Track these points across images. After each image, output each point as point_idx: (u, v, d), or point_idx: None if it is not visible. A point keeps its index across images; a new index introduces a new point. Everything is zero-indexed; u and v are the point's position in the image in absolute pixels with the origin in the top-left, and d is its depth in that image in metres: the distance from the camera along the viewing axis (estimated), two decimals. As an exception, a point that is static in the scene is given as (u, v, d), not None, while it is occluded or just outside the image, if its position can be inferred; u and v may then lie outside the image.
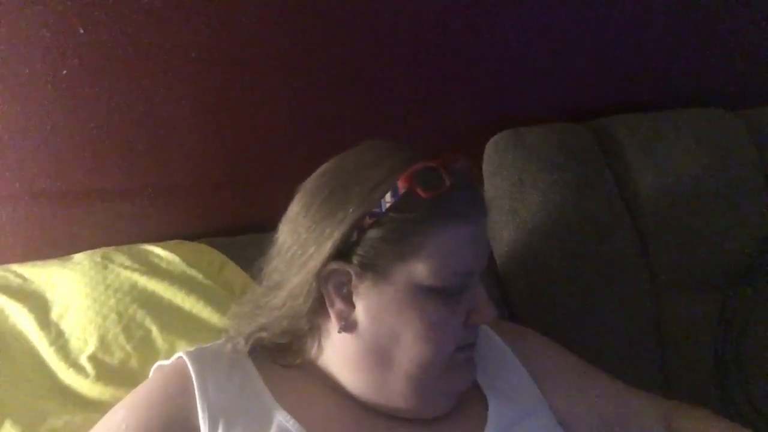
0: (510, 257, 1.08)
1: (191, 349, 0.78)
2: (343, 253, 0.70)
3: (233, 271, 0.98)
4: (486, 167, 1.13)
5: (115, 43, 0.96)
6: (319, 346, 0.76)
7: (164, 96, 1.00)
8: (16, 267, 0.96)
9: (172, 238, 1.02)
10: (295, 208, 0.76)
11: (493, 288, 1.07)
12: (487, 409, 0.76)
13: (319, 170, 0.77)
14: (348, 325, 0.72)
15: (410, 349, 0.70)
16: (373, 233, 0.70)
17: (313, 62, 1.06)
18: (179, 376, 0.74)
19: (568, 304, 1.05)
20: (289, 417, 0.70)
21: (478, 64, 1.16)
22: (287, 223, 0.76)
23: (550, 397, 0.81)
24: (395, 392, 0.72)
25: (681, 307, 1.12)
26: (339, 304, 0.72)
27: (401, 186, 0.69)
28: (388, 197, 0.69)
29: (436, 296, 0.70)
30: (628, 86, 1.27)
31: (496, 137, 1.14)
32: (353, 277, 0.71)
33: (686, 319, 1.11)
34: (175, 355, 0.78)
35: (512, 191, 1.09)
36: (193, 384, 0.72)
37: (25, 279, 0.94)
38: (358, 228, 0.70)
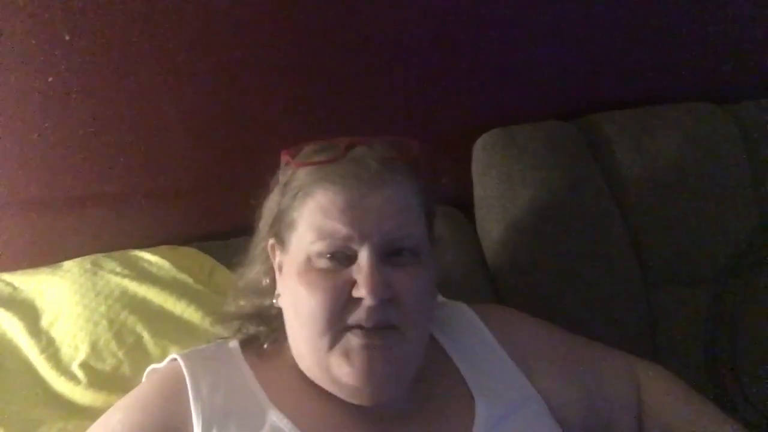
0: (501, 255, 1.08)
1: (186, 351, 0.79)
2: (275, 229, 0.76)
3: (224, 275, 0.98)
4: (475, 166, 1.14)
5: (102, 49, 0.96)
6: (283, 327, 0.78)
7: (152, 101, 1.00)
8: (5, 275, 0.96)
9: (161, 243, 1.02)
10: None
11: (484, 285, 1.08)
12: (474, 405, 0.76)
13: None
14: (281, 302, 0.76)
15: (299, 319, 0.72)
16: (280, 207, 0.76)
17: (302, 64, 1.06)
18: (173, 378, 0.74)
19: (560, 301, 1.05)
20: (282, 416, 0.71)
21: (466, 63, 1.16)
22: None
23: (537, 380, 0.81)
24: (307, 367, 0.74)
25: (673, 301, 1.12)
26: (279, 281, 0.77)
27: (283, 159, 0.77)
28: (280, 172, 0.78)
29: (315, 263, 0.71)
30: (616, 83, 1.28)
31: (484, 136, 1.14)
32: (279, 251, 0.76)
33: (678, 313, 1.12)
34: (169, 357, 0.78)
35: (502, 189, 1.09)
36: (187, 386, 0.73)
37: (14, 287, 0.94)
38: (276, 204, 0.77)
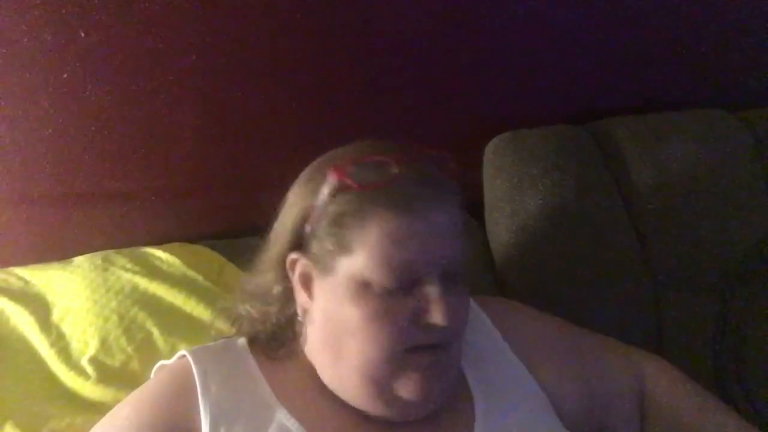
0: (509, 259, 1.08)
1: (194, 347, 0.79)
2: (300, 244, 0.74)
3: (233, 273, 0.98)
4: (485, 169, 1.14)
5: (116, 46, 0.96)
6: (296, 337, 0.78)
7: (165, 99, 1.00)
8: (17, 270, 0.96)
9: (172, 241, 1.03)
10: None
11: (492, 289, 1.07)
12: (473, 402, 0.76)
13: None
14: (308, 317, 0.74)
15: (353, 344, 0.70)
16: (319, 226, 0.72)
17: (313, 65, 1.07)
18: (182, 375, 0.74)
19: (568, 306, 1.05)
20: (289, 416, 0.71)
21: (477, 67, 1.16)
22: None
23: (538, 372, 0.81)
24: (351, 388, 0.72)
25: (680, 307, 1.12)
26: (301, 295, 0.74)
27: (332, 178, 0.71)
28: (324, 190, 0.72)
29: (375, 291, 0.69)
30: (627, 88, 1.27)
31: (495, 139, 1.14)
32: (311, 269, 0.73)
33: (685, 319, 1.11)
34: (178, 353, 0.78)
35: (512, 193, 1.09)
36: (195, 383, 0.73)
37: (26, 282, 0.95)
38: (309, 221, 0.73)
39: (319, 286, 0.73)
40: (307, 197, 0.74)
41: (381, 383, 0.70)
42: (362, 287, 0.69)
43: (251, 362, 0.77)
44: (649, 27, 1.24)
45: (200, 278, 0.96)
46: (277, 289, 0.77)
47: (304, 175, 0.78)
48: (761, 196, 1.18)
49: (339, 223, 0.70)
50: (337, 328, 0.71)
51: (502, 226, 1.09)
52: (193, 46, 1.00)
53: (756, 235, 1.14)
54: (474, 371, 0.80)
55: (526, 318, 0.88)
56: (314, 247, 0.72)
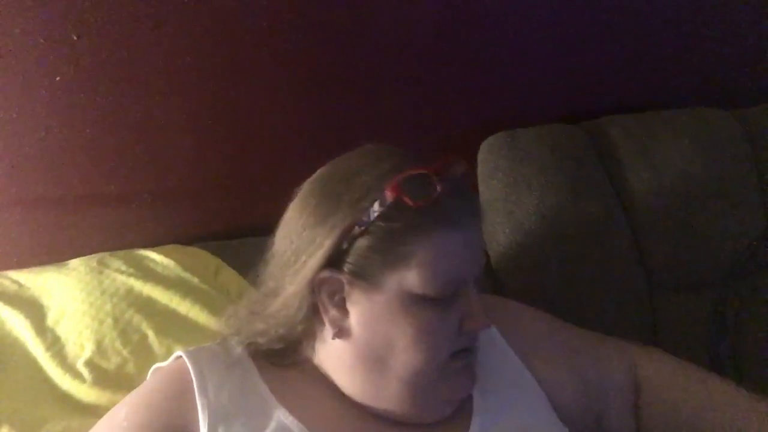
0: (505, 258, 1.09)
1: (191, 348, 0.78)
2: (334, 261, 0.71)
3: (229, 275, 0.98)
4: (481, 169, 1.14)
5: (110, 49, 0.96)
6: (314, 350, 0.77)
7: (159, 101, 1.00)
8: (11, 273, 0.96)
9: (167, 243, 1.02)
10: (289, 213, 0.76)
11: (489, 288, 1.07)
12: (471, 399, 0.77)
13: (315, 175, 0.78)
14: (342, 332, 0.73)
15: (403, 356, 0.70)
16: (362, 242, 0.70)
17: (307, 65, 1.07)
18: (179, 376, 0.74)
19: (564, 305, 1.05)
20: (288, 414, 0.71)
21: (472, 66, 1.16)
22: (282, 227, 0.77)
23: (535, 368, 0.82)
24: (391, 398, 0.72)
25: (676, 306, 1.12)
26: (332, 312, 0.73)
27: (389, 195, 0.69)
28: (376, 206, 0.70)
29: (427, 304, 0.70)
30: (622, 87, 1.28)
31: (490, 139, 1.15)
32: (345, 285, 0.71)
33: (682, 317, 1.11)
34: (174, 355, 0.78)
35: (507, 193, 1.09)
36: (192, 384, 0.73)
37: (21, 285, 0.94)
38: (348, 237, 0.70)
39: (359, 301, 0.71)
40: (347, 213, 0.70)
41: (427, 390, 0.72)
42: (417, 302, 0.70)
43: (249, 364, 0.77)
44: (643, 26, 1.25)
45: (196, 280, 0.96)
46: (301, 310, 0.73)
47: (316, 192, 0.75)
48: (755, 194, 1.18)
49: (390, 239, 0.70)
50: (384, 342, 0.71)
51: (498, 225, 1.10)
52: (188, 48, 0.99)
53: (750, 233, 1.15)
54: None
55: (521, 314, 0.89)
56: (354, 263, 0.71)
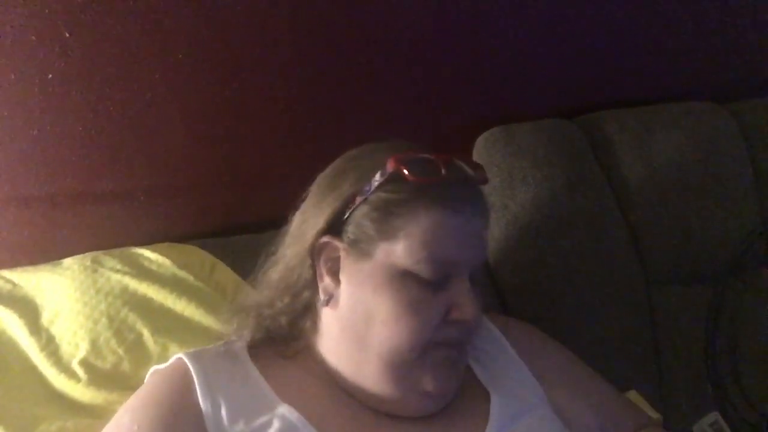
0: (501, 253, 1.08)
1: (190, 350, 0.78)
2: (335, 228, 0.74)
3: (224, 273, 0.98)
4: (476, 164, 1.13)
5: (102, 46, 0.95)
6: (314, 326, 0.78)
7: (152, 98, 1.00)
8: (5, 272, 0.95)
9: (161, 241, 1.02)
10: (305, 196, 0.80)
11: (485, 283, 1.07)
12: (488, 404, 0.76)
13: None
14: (331, 301, 0.75)
15: (382, 330, 0.71)
16: (360, 210, 0.73)
17: (303, 63, 1.06)
18: (180, 375, 0.74)
19: (560, 299, 1.05)
20: (291, 409, 0.71)
21: (467, 61, 1.16)
22: (298, 211, 0.81)
23: (551, 390, 0.81)
24: (370, 377, 0.73)
25: (673, 300, 1.12)
26: (326, 279, 0.75)
27: (389, 166, 0.72)
28: (377, 176, 0.73)
29: (412, 281, 0.71)
30: (617, 81, 1.28)
31: (486, 134, 1.15)
32: (341, 253, 0.74)
33: (678, 312, 1.12)
34: (174, 357, 0.78)
35: (502, 187, 1.09)
36: (194, 382, 0.73)
37: (14, 284, 0.94)
38: (349, 205, 0.73)
39: (350, 270, 0.74)
40: (352, 183, 0.74)
41: (402, 372, 0.72)
42: (401, 276, 0.71)
43: (250, 365, 0.77)
44: (637, 21, 1.24)
45: (190, 278, 0.95)
46: (303, 276, 0.76)
47: (329, 172, 0.79)
48: (750, 187, 1.19)
49: (385, 209, 0.72)
50: (365, 312, 0.72)
51: (493, 220, 1.09)
52: (180, 44, 0.99)
53: (746, 226, 1.15)
54: (484, 371, 0.81)
55: (541, 342, 0.89)
56: (351, 231, 0.73)
